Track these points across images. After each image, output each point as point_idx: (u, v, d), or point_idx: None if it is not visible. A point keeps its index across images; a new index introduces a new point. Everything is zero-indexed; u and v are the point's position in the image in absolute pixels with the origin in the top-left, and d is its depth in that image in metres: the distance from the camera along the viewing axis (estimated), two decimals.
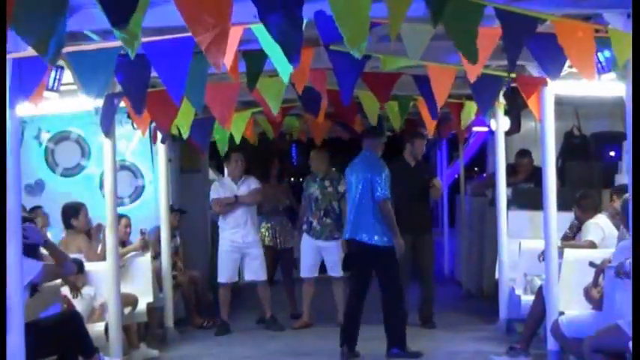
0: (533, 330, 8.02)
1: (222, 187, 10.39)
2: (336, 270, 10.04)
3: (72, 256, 8.16)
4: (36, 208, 9.45)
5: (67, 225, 8.77)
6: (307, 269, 10.31)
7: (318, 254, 10.25)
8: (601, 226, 8.09)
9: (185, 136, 7.97)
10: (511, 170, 10.64)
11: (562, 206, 7.83)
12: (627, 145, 5.35)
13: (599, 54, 5.62)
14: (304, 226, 10.29)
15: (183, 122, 7.78)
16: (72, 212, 8.78)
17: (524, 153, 10.88)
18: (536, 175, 9.38)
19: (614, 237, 7.68)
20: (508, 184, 9.97)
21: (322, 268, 10.44)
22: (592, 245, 7.97)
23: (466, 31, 3.97)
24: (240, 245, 10.19)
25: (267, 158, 12.06)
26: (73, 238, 8.68)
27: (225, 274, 10.23)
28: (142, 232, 9.54)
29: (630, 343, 5.18)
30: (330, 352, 8.56)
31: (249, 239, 10.21)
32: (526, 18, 4.87)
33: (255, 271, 10.27)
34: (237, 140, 9.34)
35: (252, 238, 10.26)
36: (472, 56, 4.06)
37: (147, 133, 8.28)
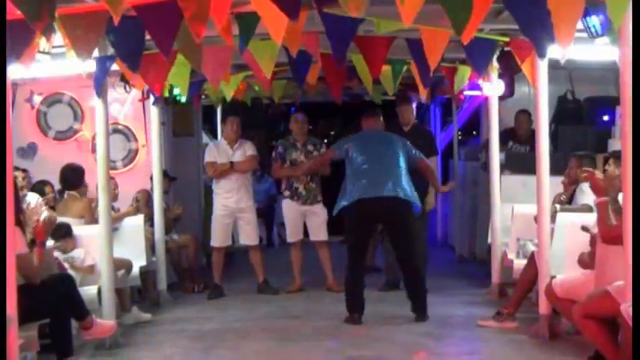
0: (522, 295, 8.01)
1: (218, 150, 10.35)
2: (320, 234, 10.08)
3: (68, 220, 8.21)
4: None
5: (74, 185, 8.75)
6: (294, 234, 10.33)
7: (302, 218, 10.26)
8: None
9: (184, 98, 7.88)
10: (510, 132, 10.65)
11: (555, 170, 7.82)
12: (621, 110, 5.32)
13: (593, 17, 5.58)
14: (287, 192, 10.28)
15: (181, 84, 7.73)
16: (84, 174, 8.81)
17: (523, 110, 10.79)
18: (533, 138, 9.34)
19: None
20: (506, 148, 9.95)
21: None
22: (589, 209, 7.90)
23: None
24: (232, 210, 10.20)
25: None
26: (74, 202, 8.68)
27: (217, 238, 10.29)
28: (137, 200, 9.55)
29: (624, 307, 5.21)
30: (320, 314, 8.61)
31: (242, 204, 10.22)
32: None
33: (248, 235, 10.30)
34: (227, 98, 9.31)
35: (245, 203, 10.26)
36: (460, 25, 3.96)
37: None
